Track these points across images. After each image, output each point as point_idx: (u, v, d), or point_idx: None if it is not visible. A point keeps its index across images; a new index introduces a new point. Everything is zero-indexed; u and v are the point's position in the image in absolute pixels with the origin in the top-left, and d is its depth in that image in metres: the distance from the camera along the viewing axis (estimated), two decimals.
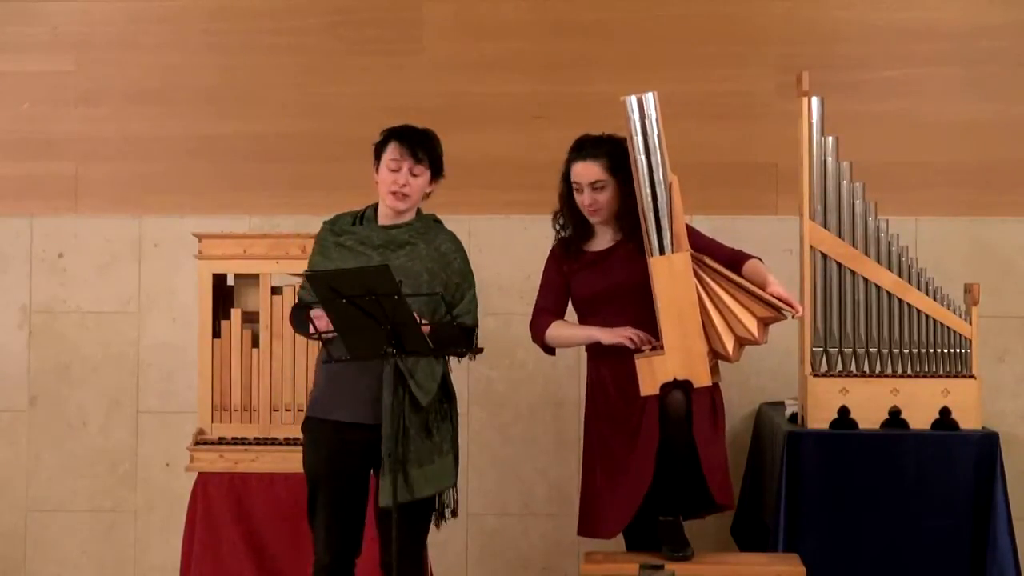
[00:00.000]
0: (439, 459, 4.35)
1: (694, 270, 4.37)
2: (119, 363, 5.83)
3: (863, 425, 4.75)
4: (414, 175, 4.37)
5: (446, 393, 4.42)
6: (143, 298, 5.84)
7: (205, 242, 5.17)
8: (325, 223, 4.48)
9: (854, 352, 4.79)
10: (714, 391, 4.43)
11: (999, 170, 5.67)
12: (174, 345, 5.78)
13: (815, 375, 4.78)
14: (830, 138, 4.79)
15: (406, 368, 4.21)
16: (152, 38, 5.86)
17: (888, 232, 4.81)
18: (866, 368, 4.80)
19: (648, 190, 4.36)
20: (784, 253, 5.30)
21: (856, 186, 4.80)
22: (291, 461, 4.73)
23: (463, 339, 4.33)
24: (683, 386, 4.32)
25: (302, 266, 4.50)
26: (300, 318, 4.40)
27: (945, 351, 4.78)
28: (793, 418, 4.94)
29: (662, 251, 4.36)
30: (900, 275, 4.79)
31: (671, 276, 4.35)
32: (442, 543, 5.28)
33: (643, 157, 4.35)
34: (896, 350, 4.78)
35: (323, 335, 4.19)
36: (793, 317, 4.38)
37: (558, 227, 4.59)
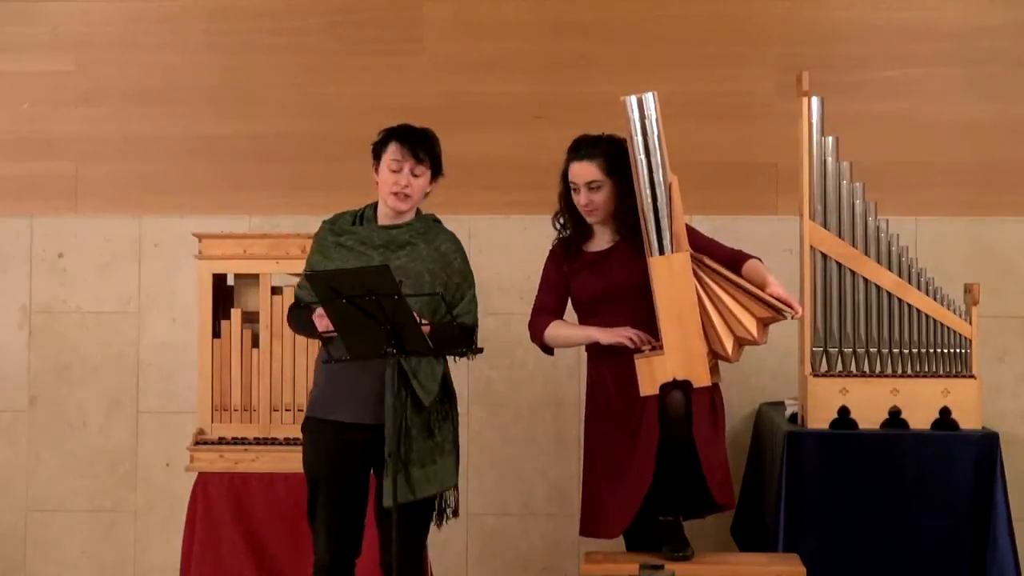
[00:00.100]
0: (441, 459, 4.35)
1: (694, 270, 4.37)
2: (119, 363, 5.83)
3: (863, 425, 4.75)
4: (415, 175, 4.37)
5: (447, 393, 4.43)
6: (143, 298, 5.84)
7: (205, 242, 5.17)
8: (325, 222, 4.48)
9: (854, 352, 4.79)
10: (714, 391, 4.43)
11: (999, 170, 5.67)
12: (174, 345, 5.78)
13: (815, 375, 4.78)
14: (830, 138, 4.79)
15: (409, 368, 4.22)
16: (152, 38, 5.86)
17: (888, 232, 4.81)
18: (866, 368, 4.80)
19: (648, 190, 4.36)
20: (784, 253, 5.30)
21: (856, 186, 4.80)
22: (291, 461, 4.73)
23: (463, 339, 4.33)
24: (682, 386, 4.32)
25: (302, 266, 4.50)
26: (299, 318, 4.41)
27: (945, 351, 4.78)
28: (793, 418, 4.94)
29: (662, 251, 4.36)
30: (900, 275, 4.79)
31: (671, 276, 4.35)
32: (442, 543, 5.28)
33: (643, 157, 4.35)
34: (896, 350, 4.78)
35: (325, 335, 4.19)
36: (792, 318, 4.38)
37: (558, 227, 4.59)
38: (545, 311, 4.57)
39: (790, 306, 4.34)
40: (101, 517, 5.83)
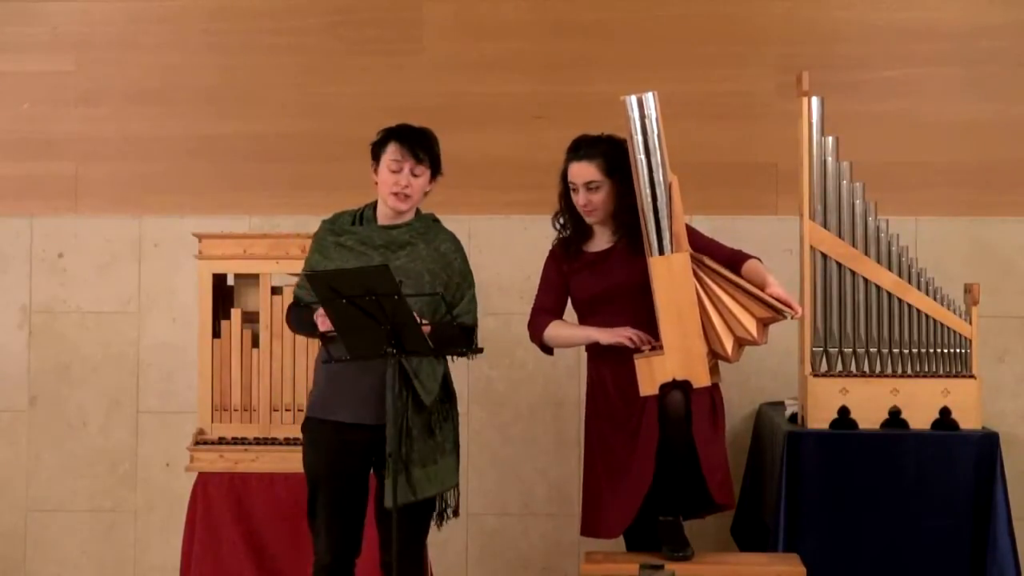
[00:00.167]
0: (442, 459, 4.35)
1: (693, 270, 4.37)
2: (119, 363, 5.83)
3: (863, 425, 4.75)
4: (415, 175, 4.37)
5: (447, 393, 4.43)
6: (143, 298, 5.84)
7: (205, 242, 5.17)
8: (324, 222, 4.48)
9: (854, 352, 4.79)
10: (714, 391, 4.43)
11: (999, 170, 5.67)
12: (174, 345, 5.78)
13: (815, 375, 4.78)
14: (830, 138, 4.79)
15: (411, 368, 4.22)
16: (152, 38, 5.86)
17: (888, 232, 4.80)
18: (866, 368, 4.79)
19: (648, 190, 4.36)
20: (784, 253, 5.30)
21: (856, 186, 4.80)
22: (291, 461, 4.73)
23: (463, 339, 4.33)
24: (682, 386, 4.32)
25: (302, 266, 4.50)
26: (299, 318, 4.40)
27: (945, 351, 4.78)
28: (793, 418, 4.94)
29: (661, 251, 4.36)
30: (900, 275, 4.79)
31: (670, 276, 4.35)
32: (442, 543, 5.28)
33: (643, 157, 4.35)
34: (896, 350, 4.78)
35: (326, 334, 4.19)
36: (792, 318, 4.38)
37: (558, 227, 4.59)
38: (545, 311, 4.57)
39: (790, 306, 4.34)
40: (101, 517, 5.83)
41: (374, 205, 4.46)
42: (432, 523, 4.43)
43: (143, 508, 5.82)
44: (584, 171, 4.46)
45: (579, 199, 4.48)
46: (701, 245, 4.46)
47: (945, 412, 4.74)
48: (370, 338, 4.04)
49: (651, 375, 4.32)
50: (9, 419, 5.85)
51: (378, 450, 4.23)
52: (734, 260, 4.47)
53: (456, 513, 4.46)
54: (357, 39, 5.82)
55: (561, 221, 4.58)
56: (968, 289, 4.82)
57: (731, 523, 5.31)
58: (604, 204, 4.47)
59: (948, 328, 4.78)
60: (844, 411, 4.74)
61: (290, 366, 5.12)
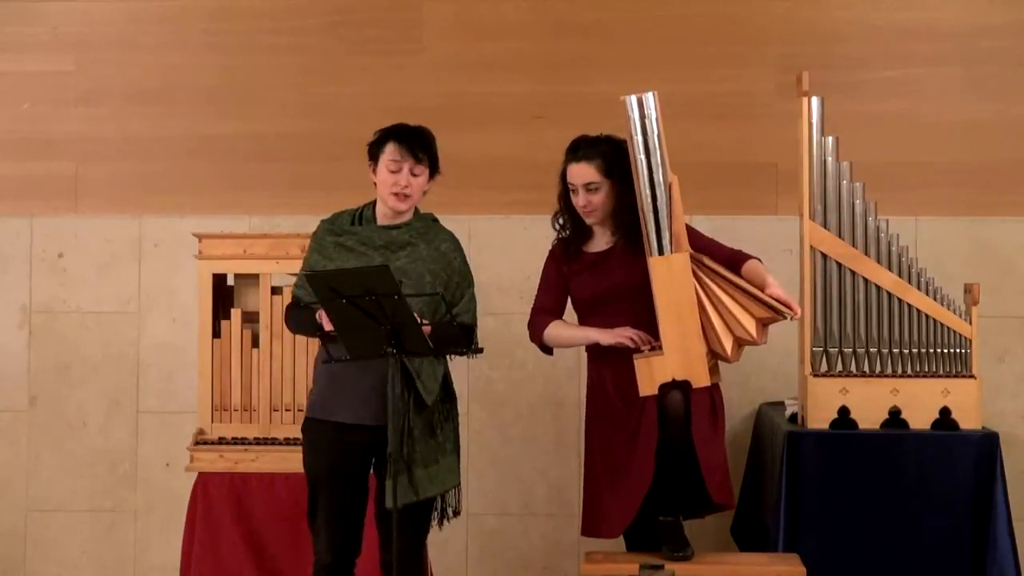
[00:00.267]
0: (443, 459, 4.35)
1: (693, 270, 4.37)
2: (119, 363, 5.82)
3: (863, 425, 4.75)
4: (414, 174, 4.37)
5: (447, 393, 4.43)
6: (143, 298, 5.84)
7: (205, 242, 5.17)
8: (323, 222, 4.48)
9: (854, 352, 4.79)
10: (714, 391, 4.43)
11: (999, 170, 5.67)
12: (174, 345, 5.78)
13: (815, 375, 4.78)
14: (830, 138, 4.79)
15: (414, 368, 4.22)
16: (152, 38, 5.86)
17: (888, 232, 4.80)
18: (866, 368, 4.79)
19: (648, 190, 4.36)
20: (784, 253, 5.30)
21: (856, 186, 4.80)
22: (291, 461, 4.73)
23: (463, 338, 4.33)
24: (682, 386, 4.32)
25: (301, 266, 4.50)
26: (298, 318, 4.40)
27: (945, 351, 4.78)
28: (793, 418, 4.94)
29: (661, 251, 4.36)
30: (900, 275, 4.79)
31: (670, 276, 4.35)
32: (442, 543, 5.28)
33: (643, 157, 4.35)
34: (896, 350, 4.78)
35: (329, 334, 4.19)
36: (791, 319, 4.38)
37: (558, 227, 4.59)
38: (545, 311, 4.57)
39: (789, 307, 4.34)
40: (101, 517, 5.83)
41: (373, 205, 4.45)
42: (433, 523, 4.43)
43: (143, 508, 5.82)
44: (583, 172, 4.45)
45: (578, 200, 4.47)
46: (701, 245, 4.46)
47: (945, 412, 4.74)
48: (370, 338, 4.04)
49: (651, 375, 4.33)
50: (9, 419, 5.85)
51: (378, 450, 4.24)
52: (734, 260, 4.47)
53: (457, 513, 4.47)
54: (357, 39, 5.82)
55: (560, 222, 4.58)
56: (968, 289, 4.82)
57: (731, 523, 5.31)
58: (603, 205, 4.47)
59: (948, 328, 4.78)
60: (844, 411, 4.74)
61: (290, 366, 5.12)
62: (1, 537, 5.83)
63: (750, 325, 4.34)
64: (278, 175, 5.81)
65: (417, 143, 4.36)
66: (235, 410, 5.12)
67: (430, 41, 5.81)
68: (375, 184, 4.41)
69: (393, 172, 4.35)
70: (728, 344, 4.36)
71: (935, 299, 4.78)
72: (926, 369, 4.79)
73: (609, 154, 4.45)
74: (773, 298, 4.33)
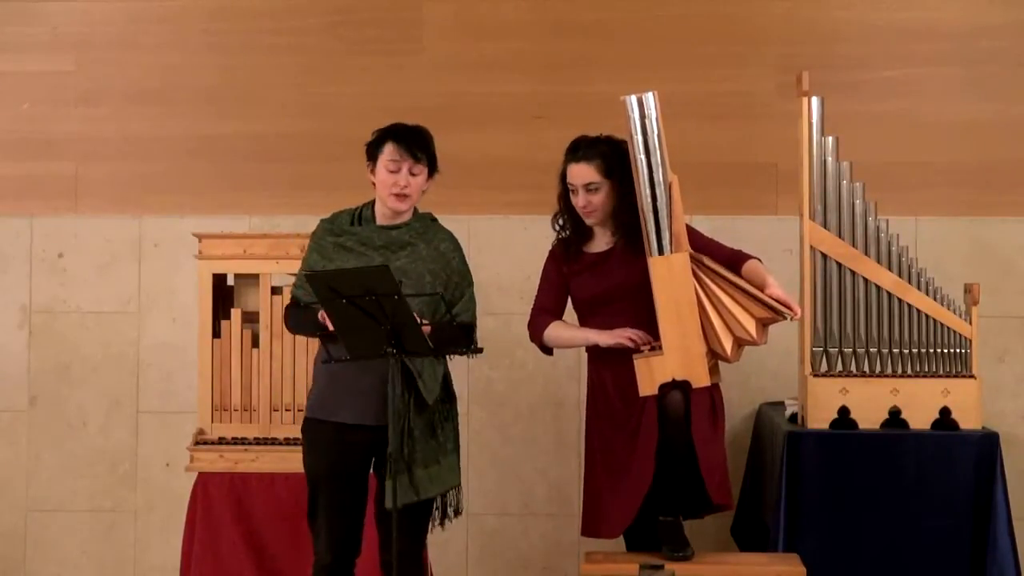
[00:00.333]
0: (444, 459, 4.35)
1: (693, 270, 4.37)
2: (119, 363, 5.82)
3: (863, 425, 4.75)
4: (413, 174, 4.37)
5: (447, 393, 4.43)
6: (143, 298, 5.84)
7: (205, 242, 5.17)
8: (323, 222, 4.48)
9: (854, 352, 4.79)
10: (714, 391, 4.43)
11: (999, 170, 5.67)
12: (174, 345, 5.78)
13: (815, 375, 4.78)
14: (830, 138, 4.79)
15: (415, 368, 4.22)
16: (152, 38, 5.86)
17: (888, 232, 4.80)
18: (866, 368, 4.79)
19: (648, 190, 4.36)
20: (784, 253, 5.30)
21: (856, 186, 4.80)
22: (291, 461, 4.73)
23: (463, 338, 4.33)
24: (682, 386, 4.32)
25: (300, 266, 4.50)
26: (297, 318, 4.40)
27: (945, 351, 4.78)
28: (793, 418, 4.94)
29: (661, 251, 4.36)
30: (900, 275, 4.79)
31: (670, 276, 4.35)
32: (442, 543, 5.28)
33: (643, 157, 4.35)
34: (896, 350, 4.78)
35: (328, 333, 4.19)
36: (791, 319, 4.38)
37: (558, 228, 4.59)
38: (545, 311, 4.57)
39: (789, 307, 4.34)
40: (101, 517, 5.83)
41: (372, 205, 4.45)
42: (435, 523, 4.43)
43: (143, 508, 5.82)
44: (583, 172, 4.45)
45: (578, 200, 4.47)
46: (701, 245, 4.46)
47: (945, 412, 4.74)
48: (370, 338, 4.04)
49: (650, 375, 4.33)
50: (9, 419, 5.85)
51: (379, 450, 4.24)
52: (734, 260, 4.47)
53: (458, 512, 4.46)
54: (357, 39, 5.82)
55: (560, 222, 4.58)
56: (968, 289, 4.82)
57: (731, 523, 5.31)
58: (603, 205, 4.47)
59: (948, 328, 4.78)
60: (844, 411, 4.74)
61: (290, 366, 5.12)
62: (1, 537, 5.84)
63: (750, 325, 4.34)
64: (278, 175, 5.81)
65: (415, 143, 4.36)
66: (235, 410, 5.13)
67: (430, 41, 5.81)
68: (374, 184, 4.41)
69: (392, 172, 4.35)
70: (728, 344, 4.36)
71: (935, 299, 4.78)
72: (926, 369, 4.79)
73: (609, 154, 4.45)
74: (773, 298, 4.33)
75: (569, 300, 4.59)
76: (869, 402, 4.74)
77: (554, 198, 4.57)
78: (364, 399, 4.26)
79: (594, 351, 4.52)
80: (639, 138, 4.35)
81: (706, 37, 5.73)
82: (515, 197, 5.67)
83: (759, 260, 4.49)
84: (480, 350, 4.29)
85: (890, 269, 4.79)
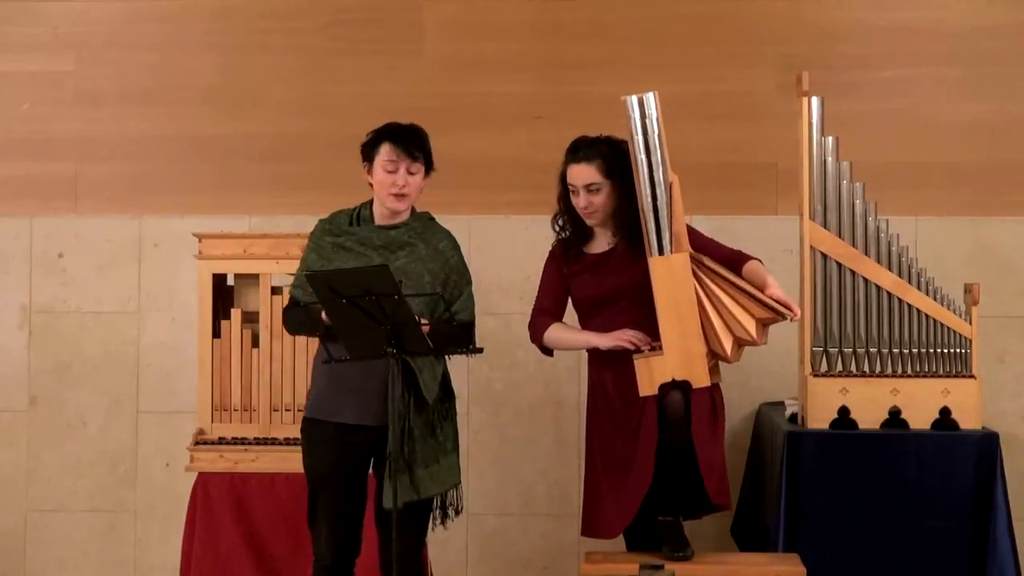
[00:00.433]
0: (444, 458, 4.36)
1: (693, 270, 4.37)
2: (119, 363, 5.82)
3: (863, 425, 4.75)
4: (411, 173, 4.37)
5: (446, 392, 4.43)
6: (143, 298, 5.84)
7: (205, 242, 5.17)
8: (321, 222, 4.48)
9: (854, 352, 4.79)
10: (714, 391, 4.43)
11: (999, 170, 5.67)
12: (174, 345, 5.78)
13: (815, 375, 4.78)
14: (830, 138, 4.79)
15: (416, 366, 4.21)
16: (152, 38, 5.86)
17: (888, 232, 4.80)
18: (866, 368, 4.79)
19: (648, 190, 4.36)
20: (784, 253, 5.30)
21: (856, 186, 4.80)
22: (291, 461, 4.73)
23: (463, 337, 4.33)
24: (682, 386, 4.31)
25: (298, 267, 4.50)
26: (296, 318, 4.40)
27: (945, 351, 4.78)
28: (793, 418, 4.94)
29: (661, 251, 4.36)
30: (900, 275, 4.79)
31: (670, 276, 4.35)
32: (442, 543, 5.28)
33: (643, 157, 4.35)
34: (896, 350, 4.78)
35: (328, 331, 4.19)
36: (791, 320, 4.38)
37: (557, 229, 4.59)
38: (545, 312, 4.56)
39: (789, 308, 4.34)
40: (101, 517, 5.83)
41: (370, 205, 4.45)
42: (436, 522, 4.43)
43: (143, 508, 5.82)
44: (584, 173, 4.45)
45: (580, 201, 4.47)
46: (701, 245, 4.46)
47: (945, 412, 4.74)
48: (370, 338, 4.04)
49: (650, 375, 4.32)
50: (9, 419, 5.85)
51: (379, 450, 4.24)
52: (734, 261, 4.47)
53: (459, 511, 4.46)
54: (357, 39, 5.82)
55: (560, 223, 4.58)
56: (968, 289, 4.82)
57: (731, 523, 5.31)
58: (605, 206, 4.47)
59: (948, 328, 4.78)
60: (844, 411, 4.74)
61: (290, 366, 5.12)
62: (1, 537, 5.83)
63: (750, 325, 4.34)
64: (278, 175, 5.80)
65: (412, 142, 4.36)
66: (235, 410, 5.13)
67: (430, 41, 5.81)
68: (371, 185, 4.41)
69: (390, 172, 4.35)
70: (728, 344, 4.36)
71: (935, 299, 4.78)
72: (926, 369, 4.79)
73: (609, 155, 4.44)
74: (773, 299, 4.33)
75: (569, 300, 4.59)
76: (869, 402, 4.74)
77: (554, 198, 4.56)
78: (365, 399, 4.26)
79: (595, 353, 4.51)
80: (640, 138, 4.35)
81: (706, 37, 5.73)
82: (515, 197, 5.67)
83: (759, 261, 4.49)
84: (480, 350, 4.29)
85: (890, 269, 4.79)
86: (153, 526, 5.80)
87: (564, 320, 4.59)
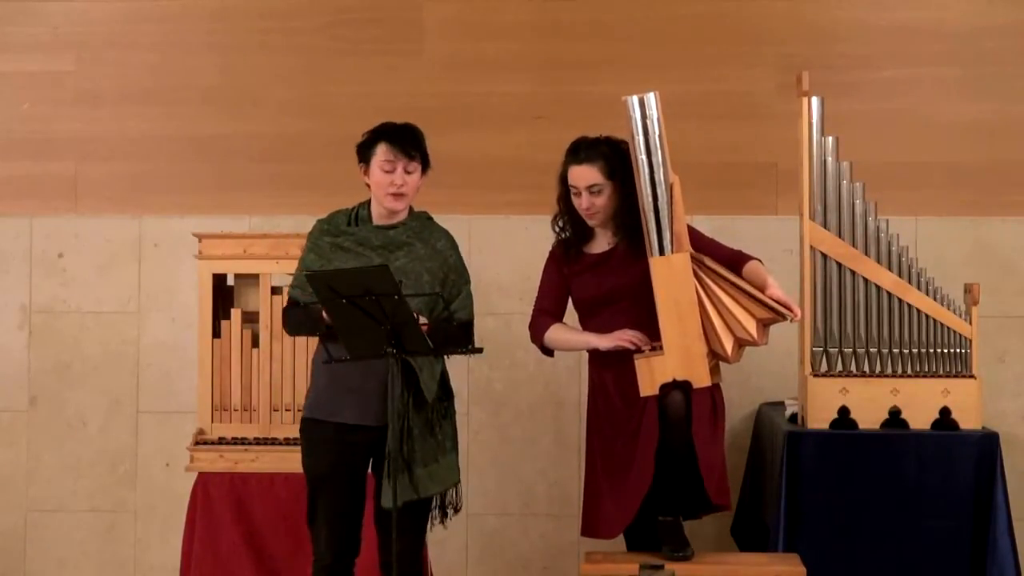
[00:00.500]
0: (443, 458, 4.36)
1: (694, 271, 4.37)
2: (119, 363, 5.82)
3: (863, 425, 4.75)
4: (408, 172, 4.37)
5: (445, 391, 4.43)
6: (143, 298, 5.84)
7: (205, 242, 5.17)
8: (319, 222, 4.48)
9: (854, 352, 4.79)
10: (715, 391, 4.42)
11: (999, 170, 5.67)
12: (174, 345, 5.78)
13: (815, 375, 4.78)
14: (830, 138, 4.79)
15: (416, 365, 4.22)
16: (152, 38, 5.86)
17: (888, 232, 4.80)
18: (866, 368, 4.79)
19: (649, 190, 4.36)
20: (784, 253, 5.30)
21: (856, 186, 4.80)
22: (291, 461, 4.72)
23: (462, 337, 4.33)
24: (682, 387, 4.31)
25: (296, 267, 4.50)
26: (295, 319, 4.40)
27: (945, 351, 4.78)
28: (793, 418, 4.94)
29: (662, 251, 4.36)
30: (900, 275, 4.79)
31: (671, 276, 4.35)
32: (442, 543, 5.28)
33: (644, 157, 4.35)
34: (896, 350, 4.78)
35: (329, 330, 4.19)
36: (791, 320, 4.38)
37: (557, 229, 4.59)
38: (545, 313, 4.56)
39: (789, 308, 4.34)
40: (101, 517, 5.83)
41: (368, 205, 4.45)
42: (435, 521, 4.43)
43: (143, 508, 5.82)
44: (586, 174, 4.45)
45: (581, 202, 4.47)
46: (702, 245, 4.46)
47: (945, 412, 4.74)
48: (370, 338, 4.04)
49: (651, 375, 4.32)
50: (9, 419, 5.85)
51: (379, 450, 4.24)
52: (735, 261, 4.47)
53: (458, 509, 4.46)
54: (357, 39, 5.82)
55: (560, 224, 4.57)
56: (968, 289, 4.82)
57: (731, 523, 5.31)
58: (606, 207, 4.47)
59: (948, 328, 4.78)
60: (844, 411, 4.74)
61: (290, 366, 5.12)
62: (1, 537, 5.83)
63: (750, 326, 4.34)
64: (278, 175, 5.80)
65: (408, 141, 4.37)
66: (235, 410, 5.13)
67: (430, 41, 5.80)
68: (368, 185, 4.41)
69: (388, 172, 4.35)
70: (728, 344, 4.35)
71: (935, 299, 4.78)
72: (926, 369, 4.79)
73: (610, 155, 4.44)
74: (773, 299, 4.33)
75: (570, 300, 4.59)
76: (869, 402, 4.74)
77: (554, 198, 4.56)
78: (365, 399, 4.26)
79: (596, 353, 4.51)
80: (640, 138, 4.34)
81: (706, 37, 5.73)
82: (515, 197, 5.67)
83: (760, 261, 4.49)
84: (480, 350, 4.29)
85: (890, 269, 4.79)
86: (153, 526, 5.80)
87: (564, 320, 4.59)
